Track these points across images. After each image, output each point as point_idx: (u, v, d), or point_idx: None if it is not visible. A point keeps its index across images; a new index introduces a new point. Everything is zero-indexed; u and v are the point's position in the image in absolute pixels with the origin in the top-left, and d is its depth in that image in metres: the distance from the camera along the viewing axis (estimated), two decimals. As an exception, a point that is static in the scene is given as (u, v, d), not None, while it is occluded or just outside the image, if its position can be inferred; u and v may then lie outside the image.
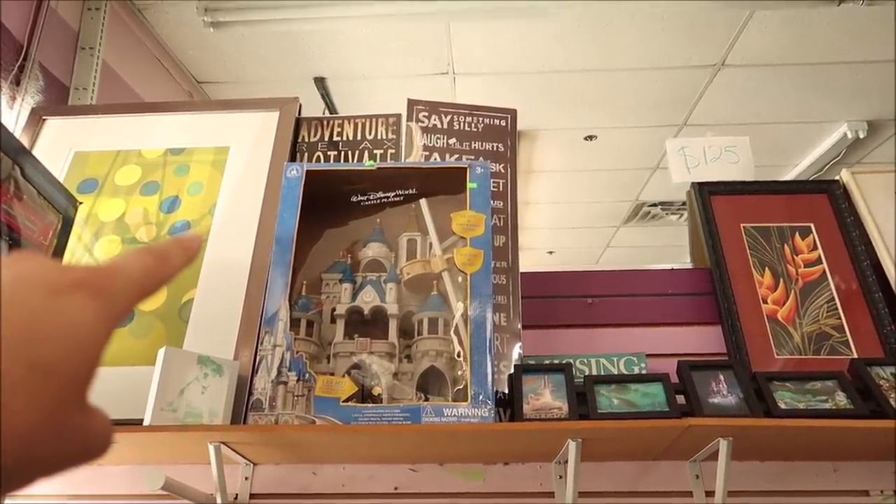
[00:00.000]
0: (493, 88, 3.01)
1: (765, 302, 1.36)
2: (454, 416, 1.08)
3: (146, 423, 1.07)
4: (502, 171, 1.51)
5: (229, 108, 1.62)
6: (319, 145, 1.59)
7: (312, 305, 1.22)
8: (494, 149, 1.54)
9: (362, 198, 1.34)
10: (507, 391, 1.25)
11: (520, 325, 1.34)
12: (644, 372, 1.29)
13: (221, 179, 1.50)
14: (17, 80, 1.67)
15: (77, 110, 1.66)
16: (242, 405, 1.15)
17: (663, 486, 1.22)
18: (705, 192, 1.51)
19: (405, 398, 1.11)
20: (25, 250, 0.34)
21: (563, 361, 1.25)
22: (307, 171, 1.32)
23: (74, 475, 1.27)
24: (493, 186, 1.48)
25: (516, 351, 1.31)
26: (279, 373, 1.12)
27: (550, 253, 5.81)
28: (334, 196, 1.34)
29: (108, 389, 1.26)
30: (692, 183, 1.53)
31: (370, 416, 1.08)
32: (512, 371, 1.21)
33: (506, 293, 1.37)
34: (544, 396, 1.17)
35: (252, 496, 1.24)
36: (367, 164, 1.33)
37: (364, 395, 1.12)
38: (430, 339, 1.17)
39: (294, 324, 1.18)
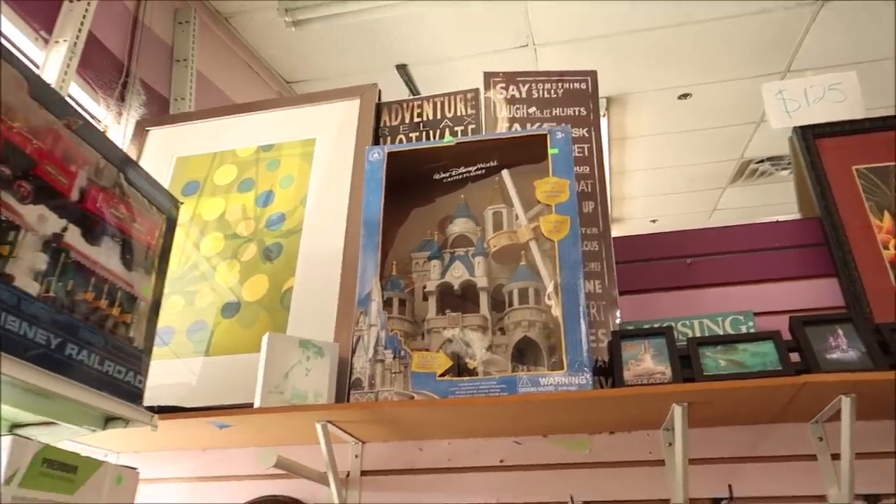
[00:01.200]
0: (576, 55, 2.93)
1: (885, 248, 1.25)
2: (551, 384, 1.06)
3: (256, 405, 1.13)
4: (586, 135, 1.47)
5: (312, 101, 1.67)
6: (401, 128, 1.60)
7: (403, 284, 1.24)
8: (576, 113, 1.50)
9: (445, 175, 1.34)
10: (607, 359, 1.22)
11: (616, 292, 1.30)
12: (752, 331, 1.22)
13: (310, 170, 1.55)
14: (121, 96, 1.79)
15: (176, 119, 1.76)
16: (345, 385, 1.18)
17: (783, 450, 1.15)
18: (809, 135, 1.40)
19: (501, 370, 1.11)
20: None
21: (664, 325, 1.20)
22: (388, 153, 1.34)
23: (199, 459, 1.36)
24: (578, 152, 1.44)
25: (614, 317, 1.27)
26: (376, 351, 1.15)
27: (653, 222, 5.61)
28: (417, 176, 1.34)
29: (222, 377, 1.33)
30: (794, 128, 1.42)
31: (466, 389, 1.09)
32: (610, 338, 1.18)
33: (599, 259, 1.34)
34: (645, 362, 1.13)
35: (363, 473, 1.28)
36: (447, 140, 1.33)
37: (460, 368, 1.12)
38: (521, 310, 1.15)
39: (387, 303, 1.20)
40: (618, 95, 3.34)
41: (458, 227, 1.29)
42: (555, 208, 1.21)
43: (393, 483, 1.26)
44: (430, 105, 1.63)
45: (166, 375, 1.37)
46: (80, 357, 0.99)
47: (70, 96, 1.63)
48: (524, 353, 1.12)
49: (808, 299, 1.27)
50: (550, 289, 1.15)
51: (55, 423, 1.09)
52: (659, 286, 1.35)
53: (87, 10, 1.65)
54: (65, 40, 1.59)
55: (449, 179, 1.34)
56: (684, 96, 3.39)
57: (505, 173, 1.31)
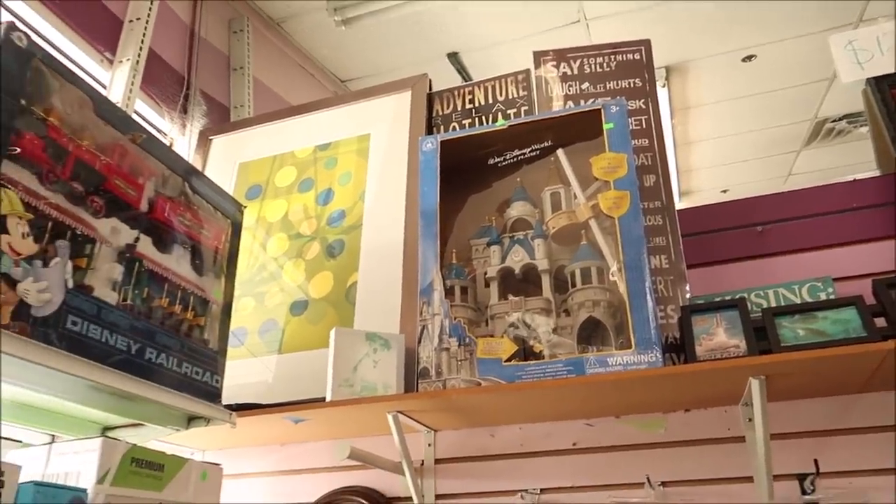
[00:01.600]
0: (630, 27, 2.84)
1: (978, 200, 1.16)
2: (619, 364, 1.04)
3: (327, 399, 1.15)
4: (642, 106, 1.43)
5: (364, 97, 1.68)
6: (454, 116, 1.60)
7: (464, 272, 1.23)
8: (631, 85, 1.46)
9: (499, 159, 1.33)
10: (678, 335, 1.19)
11: (683, 265, 1.26)
12: (832, 297, 1.16)
13: (367, 166, 1.56)
14: (184, 108, 1.86)
15: (236, 126, 1.81)
16: (414, 375, 1.19)
17: (871, 420, 1.09)
18: (884, 86, 1.31)
19: (567, 352, 1.09)
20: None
21: (736, 297, 1.15)
22: (441, 141, 1.34)
23: (279, 453, 1.40)
24: (635, 124, 1.40)
25: (683, 292, 1.24)
26: (441, 340, 1.15)
27: (724, 192, 5.41)
28: (472, 162, 1.34)
29: (296, 373, 1.37)
30: (867, 80, 1.34)
31: (533, 373, 1.08)
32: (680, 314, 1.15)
33: (663, 234, 1.30)
34: (718, 336, 1.10)
35: (437, 461, 1.29)
36: (499, 123, 1.32)
37: (525, 352, 1.11)
38: (584, 290, 1.13)
39: (449, 292, 1.20)
40: (677, 64, 3.23)
41: (516, 210, 1.27)
42: (613, 184, 1.18)
43: (466, 470, 1.26)
44: (482, 90, 1.61)
45: (244, 375, 1.41)
46: (160, 361, 1.03)
47: (136, 112, 1.70)
48: (590, 334, 1.10)
49: (891, 261, 1.19)
50: (614, 267, 1.13)
51: (143, 425, 1.15)
52: (729, 257, 1.30)
53: (145, 29, 1.72)
54: (127, 59, 1.66)
55: (504, 163, 1.33)
56: (748, 58, 3.24)
57: (560, 153, 1.29)
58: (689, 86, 3.49)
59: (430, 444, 1.30)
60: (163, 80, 1.83)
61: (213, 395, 1.13)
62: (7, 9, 1.45)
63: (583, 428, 1.23)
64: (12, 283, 0.82)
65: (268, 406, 1.23)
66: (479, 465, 1.26)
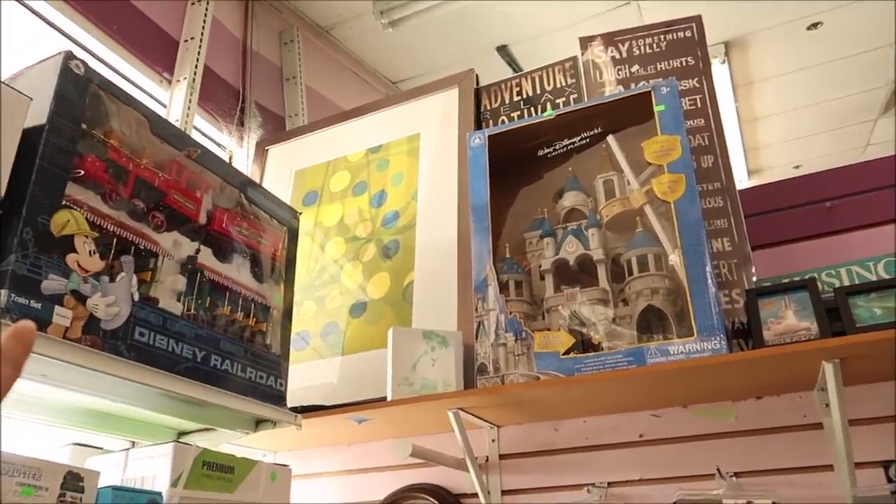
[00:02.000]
0: (682, 3, 2.75)
1: None
2: (681, 353, 1.01)
3: (388, 398, 1.16)
4: (696, 85, 1.38)
5: (412, 97, 1.69)
6: (502, 109, 1.58)
7: (518, 266, 1.22)
8: (683, 64, 1.41)
9: (549, 150, 1.31)
10: (745, 320, 1.14)
11: (748, 247, 1.21)
12: (912, 273, 1.09)
13: (418, 165, 1.57)
14: (240, 121, 1.91)
15: (290, 135, 1.85)
16: (473, 372, 1.19)
17: (963, 401, 1.02)
18: (962, 43, 1.23)
19: (626, 342, 1.07)
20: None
21: (805, 277, 1.10)
22: (489, 136, 1.33)
23: (346, 453, 1.43)
24: (689, 104, 1.36)
25: (749, 275, 1.19)
26: (497, 335, 1.15)
27: (797, 168, 5.17)
28: (521, 154, 1.33)
29: (359, 374, 1.39)
30: (942, 38, 1.25)
31: (592, 365, 1.06)
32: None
33: (724, 215, 1.25)
34: (787, 319, 1.05)
35: (502, 457, 1.29)
36: (546, 114, 1.30)
37: (584, 345, 1.09)
38: (642, 278, 1.11)
39: (503, 286, 1.19)
40: (736, 38, 3.10)
41: (569, 200, 1.25)
42: (667, 167, 1.14)
43: (531, 465, 1.25)
44: (529, 81, 1.60)
45: (310, 377, 1.45)
46: (225, 367, 1.07)
47: (195, 128, 1.76)
48: (650, 323, 1.07)
49: (978, 230, 1.11)
50: (672, 253, 1.09)
51: (214, 429, 1.19)
52: (796, 236, 1.24)
53: (200, 47, 1.78)
54: (184, 78, 1.72)
55: (554, 154, 1.31)
56: (814, 26, 3.08)
57: (611, 139, 1.26)
58: (751, 60, 3.35)
59: (493, 440, 1.29)
60: (219, 96, 1.88)
61: (277, 398, 1.16)
62: (71, 38, 1.53)
63: (649, 419, 1.20)
64: (82, 298, 0.87)
65: (331, 407, 1.25)
66: (544, 460, 1.25)
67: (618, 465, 1.19)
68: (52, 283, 0.83)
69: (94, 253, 0.90)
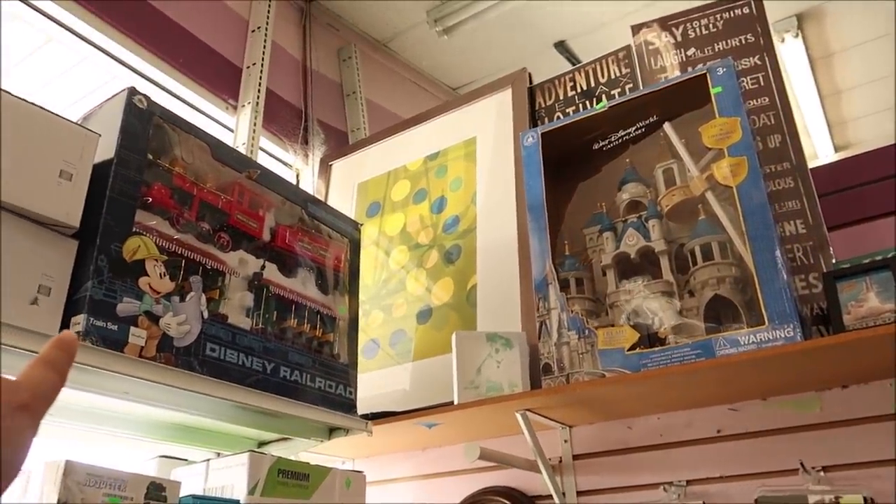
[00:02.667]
0: (749, -20, 2.64)
1: None
2: (752, 343, 0.97)
3: (455, 402, 1.17)
4: (758, 63, 1.32)
5: (466, 101, 1.70)
6: (556, 106, 1.57)
7: (578, 262, 1.21)
8: (743, 42, 1.35)
9: (604, 142, 1.29)
10: (824, 305, 1.08)
11: (824, 228, 1.15)
12: None
13: (475, 169, 1.57)
14: (304, 139, 1.98)
15: (352, 149, 1.90)
16: (539, 372, 1.18)
17: None
18: None
19: (694, 334, 1.03)
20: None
21: (888, 255, 1.03)
22: (542, 134, 1.31)
23: (420, 458, 1.44)
24: (752, 83, 1.30)
25: (827, 257, 1.12)
26: (560, 334, 1.13)
27: None
28: (576, 150, 1.31)
29: (428, 379, 1.40)
30: None
31: (658, 360, 1.03)
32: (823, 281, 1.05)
33: (796, 196, 1.19)
34: (869, 301, 0.99)
35: (575, 457, 1.27)
36: (599, 106, 1.28)
37: (650, 339, 1.07)
38: (707, 268, 1.07)
39: (564, 284, 1.18)
40: (809, 9, 2.95)
41: (628, 192, 1.23)
42: (727, 151, 1.10)
43: (606, 465, 1.23)
44: (582, 75, 1.57)
45: (381, 384, 1.47)
46: (294, 378, 1.10)
47: (262, 149, 1.82)
48: (718, 313, 1.03)
49: None
50: (737, 239, 1.05)
51: (290, 439, 1.23)
52: (877, 213, 1.17)
53: (261, 72, 1.85)
54: (248, 102, 1.79)
55: (609, 146, 1.28)
56: (895, -12, 2.89)
57: (667, 126, 1.22)
58: (828, 30, 3.17)
59: (565, 441, 1.27)
60: (283, 116, 1.95)
61: (348, 406, 1.19)
62: (142, 74, 1.62)
63: (726, 413, 1.16)
64: (155, 318, 0.92)
65: (400, 413, 1.27)
66: (618, 459, 1.22)
67: (695, 462, 1.15)
68: (126, 306, 0.88)
69: (165, 275, 0.95)
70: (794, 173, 1.21)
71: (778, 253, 0.99)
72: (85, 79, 1.70)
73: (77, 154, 0.89)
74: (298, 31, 2.15)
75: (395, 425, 1.25)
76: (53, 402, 0.41)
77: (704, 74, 1.17)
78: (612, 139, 1.27)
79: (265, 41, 1.89)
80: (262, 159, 1.84)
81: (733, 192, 1.06)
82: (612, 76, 1.51)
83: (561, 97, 1.57)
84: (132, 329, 0.88)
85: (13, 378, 0.41)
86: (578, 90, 1.55)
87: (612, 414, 1.23)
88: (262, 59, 1.87)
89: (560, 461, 1.27)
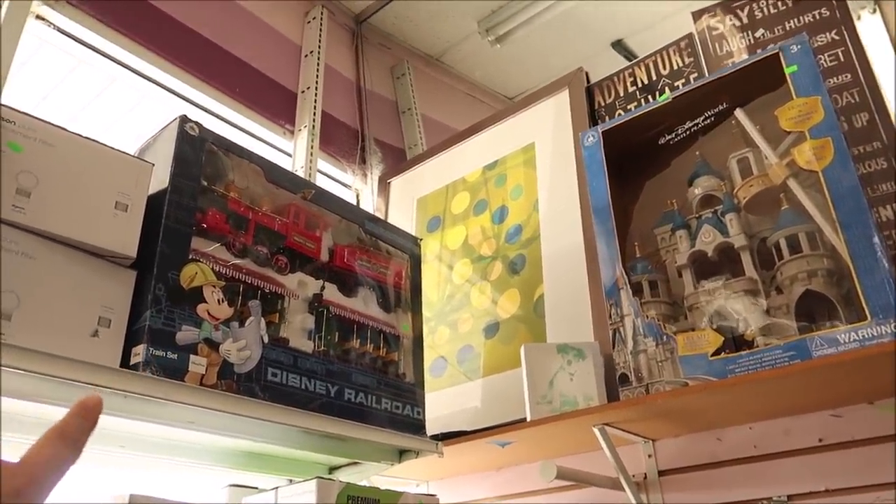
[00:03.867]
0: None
1: None
2: (853, 341, 0.87)
3: (528, 419, 1.11)
4: (835, 38, 1.22)
5: (522, 107, 1.65)
6: (617, 103, 1.50)
7: (651, 265, 1.13)
8: (817, 17, 1.26)
9: (671, 136, 1.21)
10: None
11: (926, 211, 1.04)
12: None
13: (536, 175, 1.52)
14: (362, 159, 1.97)
15: (409, 164, 1.88)
16: (615, 383, 1.11)
17: None
18: None
19: (785, 335, 0.94)
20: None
21: None
22: (603, 132, 1.25)
23: (495, 478, 1.38)
24: (830, 60, 1.20)
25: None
26: (635, 342, 1.06)
27: None
28: (641, 146, 1.24)
29: (499, 396, 1.35)
30: None
31: (747, 364, 0.94)
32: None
33: (890, 178, 1.09)
34: None
35: (661, 473, 1.18)
36: (662, 98, 1.20)
37: (735, 342, 0.98)
38: (795, 261, 0.98)
39: (636, 289, 1.11)
40: (886, -17, 2.75)
41: (700, 187, 1.15)
42: (809, 133, 1.01)
43: (695, 481, 1.14)
44: (643, 69, 1.50)
45: (451, 403, 1.43)
46: (359, 400, 1.07)
47: (320, 171, 1.82)
48: (812, 310, 0.94)
49: None
50: (827, 227, 0.96)
51: (360, 463, 1.20)
52: None
53: (316, 95, 1.86)
54: (305, 126, 1.80)
55: (676, 139, 1.21)
56: (983, -49, 2.67)
57: (739, 113, 1.14)
58: (908, 4, 2.96)
59: (649, 456, 1.19)
60: (339, 138, 1.95)
61: (416, 426, 1.15)
62: (200, 106, 1.65)
63: (829, 420, 1.05)
64: (215, 345, 0.90)
65: (471, 432, 1.22)
66: (709, 474, 1.13)
67: (796, 475, 1.05)
68: (185, 334, 0.87)
69: (223, 301, 0.94)
70: (885, 154, 1.11)
71: (876, 240, 0.90)
72: (147, 116, 1.75)
73: (132, 184, 0.89)
74: (351, 52, 2.16)
75: (467, 445, 1.20)
76: (63, 477, 0.40)
77: (777, 54, 1.09)
78: (679, 132, 1.19)
79: (318, 64, 1.90)
80: (321, 181, 1.84)
81: (819, 177, 0.97)
82: (675, 67, 1.44)
83: (621, 94, 1.50)
84: (192, 357, 0.87)
85: (16, 460, 0.39)
86: (639, 85, 1.48)
87: (699, 425, 1.14)
88: (317, 83, 1.87)
89: (644, 478, 1.19)
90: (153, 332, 0.84)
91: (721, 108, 1.15)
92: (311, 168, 1.74)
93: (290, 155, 1.79)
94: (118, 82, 1.69)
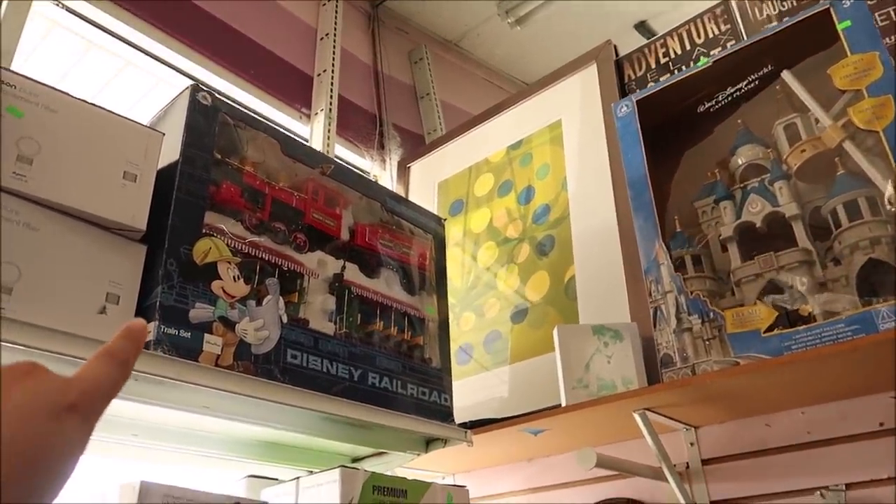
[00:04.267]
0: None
1: None
2: (926, 311, 0.79)
3: (563, 405, 1.04)
4: (887, -5, 1.14)
5: (547, 84, 1.58)
6: (649, 76, 1.42)
7: (692, 239, 1.06)
8: (865, -25, 1.17)
9: (710, 103, 1.14)
10: None
11: None
12: None
13: (563, 153, 1.45)
14: (380, 144, 1.91)
15: (428, 148, 1.81)
16: (656, 365, 1.04)
17: None
18: None
19: (846, 307, 0.87)
20: (27, 364, 0.36)
21: None
22: (637, 101, 1.18)
23: (528, 469, 1.31)
24: (882, 19, 1.12)
25: None
26: (679, 320, 0.99)
27: None
28: (678, 115, 1.17)
29: (529, 382, 1.28)
30: None
31: (805, 340, 0.87)
32: None
33: (953, 141, 1.00)
34: None
35: (704, 462, 1.11)
36: (700, 63, 1.13)
37: (790, 317, 0.91)
38: (855, 228, 0.90)
39: (678, 264, 1.03)
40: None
41: (744, 156, 1.07)
42: (867, 91, 0.93)
43: (743, 470, 1.06)
44: (675, 39, 1.43)
45: (478, 391, 1.36)
46: (384, 385, 1.01)
47: (337, 157, 1.77)
48: (875, 280, 0.86)
49: None
50: (891, 191, 0.88)
51: (386, 453, 1.14)
52: None
53: (332, 79, 1.80)
54: (321, 110, 1.74)
55: (717, 107, 1.13)
56: None
57: (787, 75, 1.06)
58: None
59: (692, 444, 1.12)
60: (357, 122, 1.90)
61: (444, 414, 1.08)
62: (213, 89, 1.60)
63: (889, 403, 0.97)
64: (231, 324, 0.85)
65: (501, 420, 1.15)
66: (757, 462, 1.06)
67: (854, 462, 0.97)
68: (199, 312, 0.81)
69: (239, 278, 0.88)
70: (946, 115, 1.02)
71: (947, 202, 0.82)
72: (162, 101, 1.70)
73: (141, 154, 0.83)
74: (367, 36, 2.10)
75: (497, 433, 1.14)
76: (112, 400, 0.37)
77: (827, 10, 1.01)
78: (720, 98, 1.12)
79: (334, 47, 1.85)
80: (339, 166, 1.78)
81: (880, 137, 0.90)
82: (710, 35, 1.36)
83: (652, 66, 1.43)
84: (206, 336, 0.81)
85: (68, 375, 0.36)
86: (671, 56, 1.41)
87: (745, 410, 1.07)
88: (333, 66, 1.82)
89: (687, 467, 1.11)
90: (165, 309, 0.78)
91: (766, 70, 1.08)
92: (328, 152, 1.68)
93: (306, 140, 1.74)
94: (132, 66, 1.64)
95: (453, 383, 1.41)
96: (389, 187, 1.83)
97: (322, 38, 1.88)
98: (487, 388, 1.35)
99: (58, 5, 1.37)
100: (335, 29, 1.88)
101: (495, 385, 1.34)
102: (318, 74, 1.82)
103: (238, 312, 0.86)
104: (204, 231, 0.86)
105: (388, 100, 2.02)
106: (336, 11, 1.91)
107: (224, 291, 0.86)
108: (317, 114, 1.75)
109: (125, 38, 1.48)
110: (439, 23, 2.33)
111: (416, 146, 2.01)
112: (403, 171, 1.83)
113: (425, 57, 2.23)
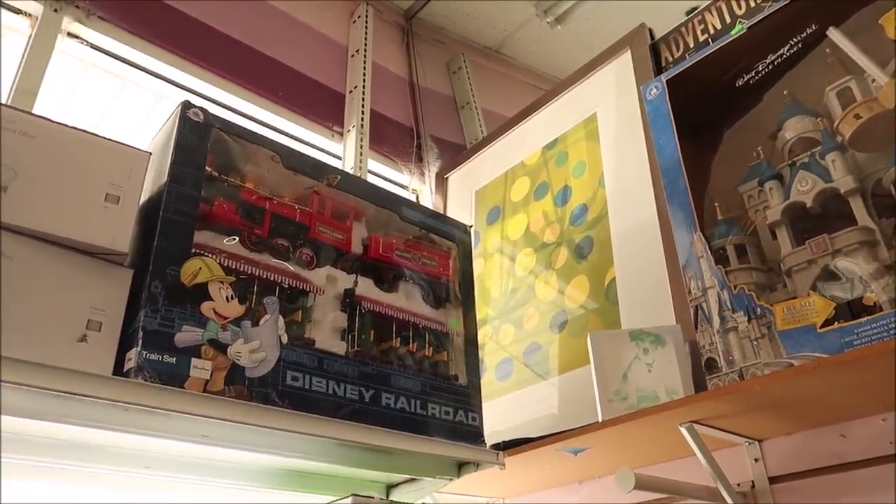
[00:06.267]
0: None
1: None
2: None
3: (600, 419, 0.94)
4: (951, -67, 0.99)
5: (580, 78, 1.49)
6: (687, 56, 1.31)
7: (736, 226, 0.94)
8: (924, -85, 1.03)
9: (750, 75, 1.02)
10: None
11: None
12: None
13: (599, 148, 1.35)
14: (418, 157, 1.86)
15: (464, 157, 1.75)
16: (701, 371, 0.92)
17: None
18: None
19: (919, 293, 0.73)
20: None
21: None
22: (667, 81, 1.07)
23: (579, 493, 1.21)
24: (947, -39, 0.97)
25: None
26: (722, 318, 0.87)
27: None
28: (715, 92, 1.05)
29: (575, 396, 1.18)
30: None
31: (872, 334, 0.74)
32: None
33: None
34: None
35: (772, 480, 0.97)
36: (734, 31, 1.02)
37: (851, 309, 0.78)
38: (924, 199, 0.76)
39: (719, 256, 0.92)
40: None
41: (791, 129, 0.95)
42: (927, 39, 0.80)
43: (817, 487, 0.92)
44: (714, 13, 1.31)
45: (523, 408, 1.27)
46: (400, 405, 0.94)
47: (371, 172, 1.73)
48: (953, 259, 0.73)
49: None
50: (963, 152, 0.74)
51: (417, 479, 1.06)
52: None
53: (364, 94, 1.77)
54: (353, 126, 1.71)
55: (757, 78, 1.01)
56: None
57: (833, 32, 0.93)
58: None
59: (756, 459, 0.99)
60: (392, 137, 1.85)
61: (472, 434, 1.00)
62: (242, 113, 1.59)
63: None
64: (222, 347, 0.80)
65: (535, 439, 1.05)
66: (834, 479, 0.91)
67: (952, 475, 0.82)
68: (186, 335, 0.77)
69: (233, 298, 0.84)
70: None
71: None
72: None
73: (125, 175, 0.80)
74: (401, 49, 2.06)
75: (534, 454, 1.04)
76: None
77: (875, -47, 0.88)
78: (760, 68, 1.00)
79: (365, 63, 1.82)
80: (373, 182, 1.74)
81: (948, 90, 0.76)
82: (752, 5, 1.23)
83: (691, 45, 1.32)
84: (194, 360, 0.77)
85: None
86: (711, 31, 1.29)
87: (815, 418, 0.93)
88: (364, 82, 1.79)
89: (752, 486, 0.98)
90: (147, 334, 0.74)
91: (810, 30, 0.95)
92: (361, 168, 1.64)
93: (339, 158, 1.71)
94: (164, 100, 1.66)
95: (497, 400, 1.32)
96: (430, 200, 1.78)
97: (353, 55, 1.85)
98: (532, 404, 1.26)
99: (81, 43, 1.39)
100: (365, 45, 1.86)
101: (539, 401, 1.25)
102: (350, 91, 1.79)
103: (231, 334, 0.81)
104: (194, 251, 0.82)
105: (426, 111, 1.97)
106: (366, 27, 1.89)
107: (215, 313, 0.81)
108: (349, 130, 1.72)
109: (151, 70, 1.49)
110: (476, 30, 2.27)
111: (457, 155, 1.95)
112: (441, 182, 1.76)
113: (464, 66, 2.17)
